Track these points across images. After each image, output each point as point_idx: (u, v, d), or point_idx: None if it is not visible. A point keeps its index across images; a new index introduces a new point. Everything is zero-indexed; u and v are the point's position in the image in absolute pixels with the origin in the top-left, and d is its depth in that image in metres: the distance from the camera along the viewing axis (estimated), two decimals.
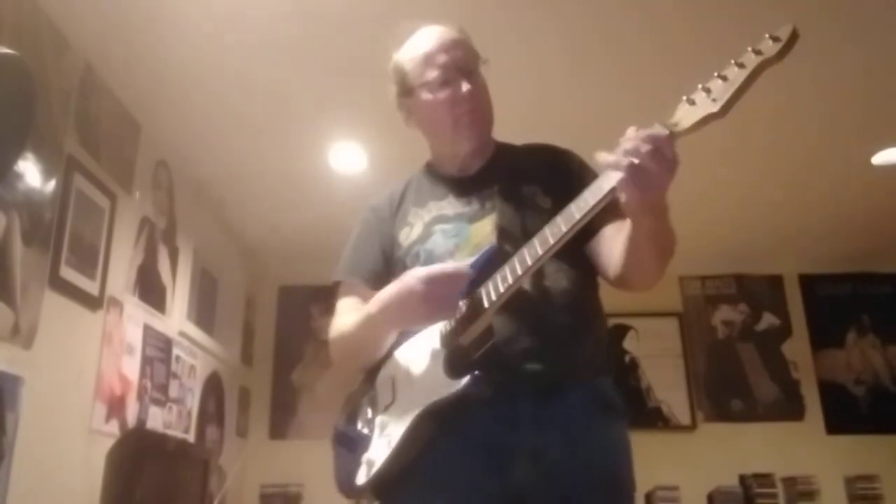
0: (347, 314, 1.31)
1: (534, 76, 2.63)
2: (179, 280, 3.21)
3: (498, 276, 1.09)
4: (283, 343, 4.43)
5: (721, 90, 0.90)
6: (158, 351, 2.93)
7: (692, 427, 4.28)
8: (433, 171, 1.41)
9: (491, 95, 1.36)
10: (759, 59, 0.89)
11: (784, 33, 0.88)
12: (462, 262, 1.13)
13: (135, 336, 2.73)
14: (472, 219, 1.27)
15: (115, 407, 2.53)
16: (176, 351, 3.12)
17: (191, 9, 2.26)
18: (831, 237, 4.16)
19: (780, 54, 0.88)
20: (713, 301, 4.59)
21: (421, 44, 1.34)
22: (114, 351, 2.54)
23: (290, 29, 2.36)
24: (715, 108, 0.90)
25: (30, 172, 2.07)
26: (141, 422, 2.73)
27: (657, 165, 0.93)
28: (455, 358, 1.11)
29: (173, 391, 3.07)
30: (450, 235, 1.27)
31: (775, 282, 4.60)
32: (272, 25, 2.35)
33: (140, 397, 2.74)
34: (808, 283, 4.58)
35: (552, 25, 2.39)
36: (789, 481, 4.01)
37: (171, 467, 2.71)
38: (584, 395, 1.17)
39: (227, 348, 3.90)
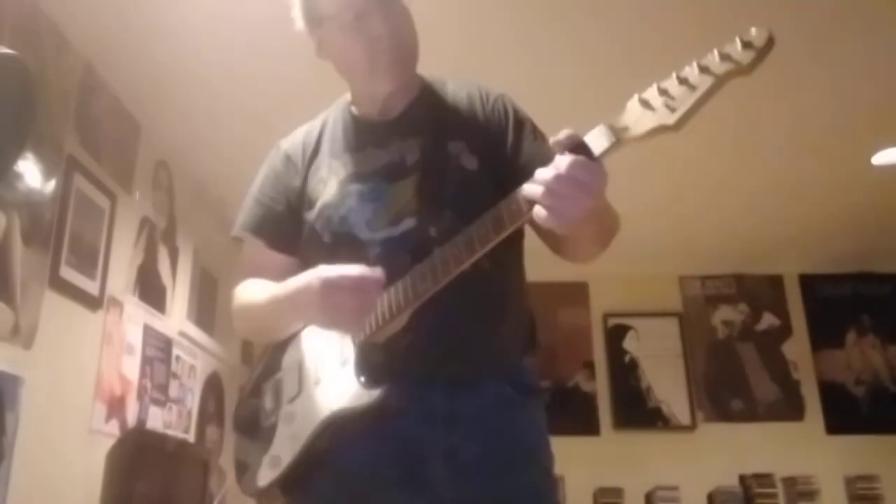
0: (252, 286, 1.21)
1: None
2: (179, 280, 3.21)
3: (417, 273, 1.01)
4: None
5: (680, 98, 0.79)
6: (158, 351, 2.93)
7: (692, 427, 4.28)
8: (351, 114, 1.26)
9: (428, 62, 1.23)
10: (727, 66, 0.77)
11: (759, 40, 0.76)
12: (375, 270, 1.01)
13: (135, 336, 2.73)
14: (392, 177, 1.14)
15: (115, 407, 2.53)
16: (176, 351, 3.12)
17: (191, 9, 2.26)
18: (831, 237, 4.15)
19: (752, 65, 0.76)
20: (713, 301, 4.59)
21: None
22: (114, 351, 2.54)
23: (291, 28, 2.36)
24: (670, 120, 0.80)
25: (30, 172, 2.07)
26: (141, 422, 2.73)
27: (574, 190, 0.86)
28: (367, 359, 1.04)
29: (173, 391, 3.07)
30: (367, 199, 1.13)
31: (775, 282, 4.60)
32: (273, 24, 2.34)
33: (140, 397, 2.73)
34: (808, 283, 4.58)
35: None
36: (789, 481, 4.01)
37: (171, 467, 2.71)
38: (501, 382, 1.11)
39: (227, 348, 3.90)
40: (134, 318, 2.72)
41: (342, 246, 1.13)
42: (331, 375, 1.08)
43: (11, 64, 1.71)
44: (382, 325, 1.04)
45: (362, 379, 1.03)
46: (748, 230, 4.06)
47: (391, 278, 1.03)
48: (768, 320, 4.53)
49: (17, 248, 2.00)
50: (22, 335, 2.00)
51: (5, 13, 1.99)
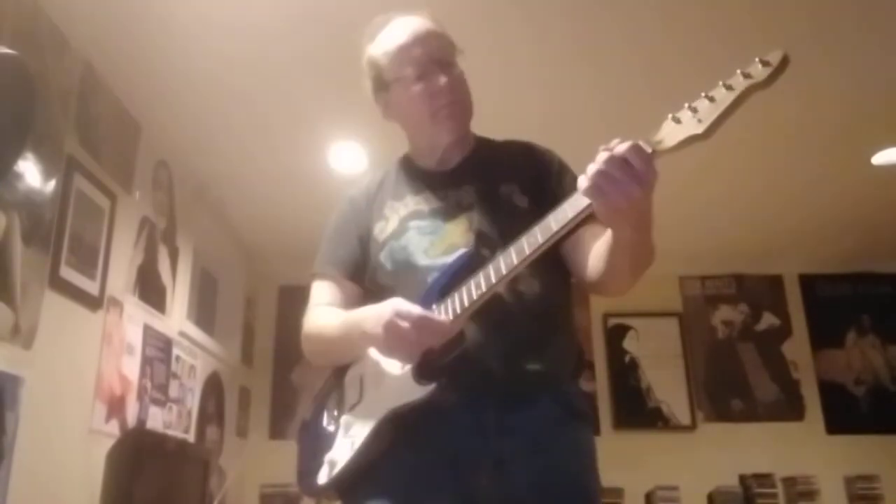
0: (324, 311, 1.31)
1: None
2: (179, 280, 3.21)
3: (472, 283, 1.08)
4: (283, 343, 4.43)
5: (707, 111, 0.89)
6: (158, 351, 2.93)
7: (692, 427, 4.28)
8: (411, 164, 1.39)
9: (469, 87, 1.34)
10: (748, 82, 0.87)
11: (775, 58, 0.86)
12: (443, 317, 1.09)
13: (135, 336, 2.73)
14: (448, 216, 1.26)
15: (115, 407, 2.53)
16: (176, 351, 3.12)
17: (191, 9, 2.26)
18: (831, 237, 4.16)
19: (769, 79, 0.86)
20: (713, 301, 4.59)
21: (395, 36, 1.30)
22: (114, 351, 2.54)
23: (290, 29, 2.36)
24: (699, 129, 0.89)
25: (30, 172, 2.07)
26: (141, 422, 2.73)
27: (625, 176, 0.91)
28: (424, 363, 1.10)
29: (173, 391, 3.07)
30: (425, 232, 1.25)
31: (775, 282, 4.60)
32: (272, 26, 2.35)
33: (140, 397, 2.73)
34: (808, 283, 4.58)
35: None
36: (789, 481, 4.01)
37: (171, 467, 2.71)
38: (551, 402, 1.16)
39: (227, 348, 3.90)
40: (134, 318, 2.72)
41: (402, 271, 1.24)
42: (389, 379, 1.15)
43: (11, 64, 1.71)
44: None
45: (418, 378, 1.10)
46: (748, 230, 4.07)
47: (449, 294, 1.11)
48: (768, 320, 4.53)
49: (17, 248, 2.00)
50: (22, 335, 2.00)
51: (5, 13, 1.99)
